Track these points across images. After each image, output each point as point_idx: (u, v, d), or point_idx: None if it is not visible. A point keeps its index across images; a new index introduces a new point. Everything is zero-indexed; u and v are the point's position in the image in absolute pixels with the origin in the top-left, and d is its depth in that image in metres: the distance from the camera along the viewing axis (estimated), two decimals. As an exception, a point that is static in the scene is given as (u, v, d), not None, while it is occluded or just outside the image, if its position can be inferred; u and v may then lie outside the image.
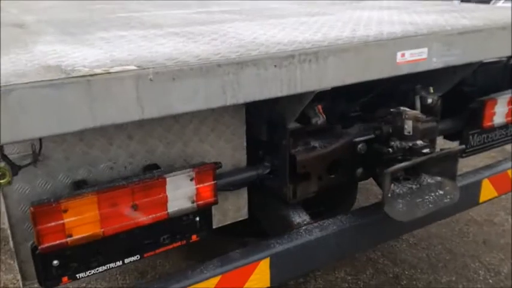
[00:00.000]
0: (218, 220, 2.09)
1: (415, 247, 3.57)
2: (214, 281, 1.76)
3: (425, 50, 1.97)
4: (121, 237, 1.68)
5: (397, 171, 1.97)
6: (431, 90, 2.32)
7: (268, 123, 2.08)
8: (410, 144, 1.99)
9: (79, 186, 1.67)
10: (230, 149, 2.03)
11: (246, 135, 2.04)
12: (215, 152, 1.99)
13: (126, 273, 3.21)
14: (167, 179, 1.70)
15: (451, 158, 2.12)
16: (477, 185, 2.56)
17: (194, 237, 1.89)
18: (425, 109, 2.35)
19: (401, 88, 2.26)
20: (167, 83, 1.41)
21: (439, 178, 2.10)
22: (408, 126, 1.98)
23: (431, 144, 2.44)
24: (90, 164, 1.72)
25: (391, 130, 2.06)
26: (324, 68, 1.72)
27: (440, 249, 3.55)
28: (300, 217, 2.14)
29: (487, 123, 2.68)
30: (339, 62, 1.75)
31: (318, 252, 2.02)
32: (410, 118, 1.98)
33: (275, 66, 1.61)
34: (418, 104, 2.17)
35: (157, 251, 1.83)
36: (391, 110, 2.07)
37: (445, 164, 2.10)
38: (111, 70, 1.36)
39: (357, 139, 2.16)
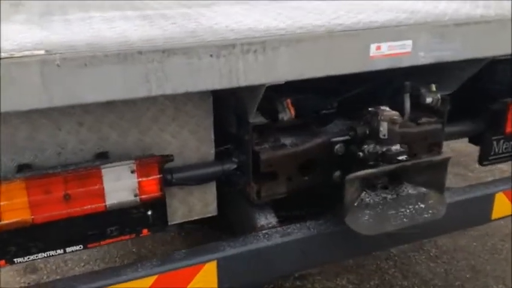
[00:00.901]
0: (183, 215, 2.00)
1: (434, 260, 3.23)
2: (149, 281, 1.67)
3: (409, 42, 1.70)
4: (60, 225, 1.65)
5: (360, 178, 1.74)
6: (434, 88, 2.03)
7: (235, 116, 1.94)
8: (384, 149, 1.74)
9: (21, 170, 1.66)
10: (195, 141, 1.91)
11: (215, 128, 1.92)
12: (178, 143, 1.88)
13: (125, 257, 3.24)
14: (103, 170, 1.63)
15: (438, 168, 1.84)
16: (489, 199, 2.23)
17: (145, 232, 1.82)
18: (426, 109, 2.08)
19: (393, 84, 2.00)
20: (77, 70, 1.33)
21: (423, 189, 1.84)
22: (383, 128, 1.73)
23: (437, 148, 2.16)
24: (37, 148, 1.70)
25: (367, 131, 1.82)
26: (274, 59, 1.55)
27: (463, 265, 3.18)
28: (266, 219, 1.98)
29: (510, 129, 2.33)
30: (293, 54, 1.56)
31: (277, 259, 1.86)
32: (386, 120, 1.73)
33: (211, 55, 1.47)
34: (407, 103, 1.89)
35: (103, 242, 1.78)
36: (369, 109, 1.83)
37: (432, 174, 1.83)
38: (16, 54, 1.30)
39: (334, 139, 1.95)
